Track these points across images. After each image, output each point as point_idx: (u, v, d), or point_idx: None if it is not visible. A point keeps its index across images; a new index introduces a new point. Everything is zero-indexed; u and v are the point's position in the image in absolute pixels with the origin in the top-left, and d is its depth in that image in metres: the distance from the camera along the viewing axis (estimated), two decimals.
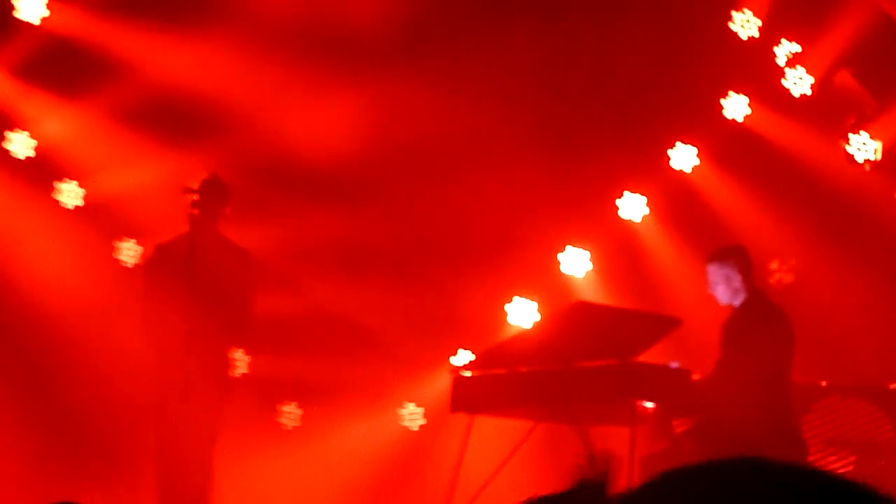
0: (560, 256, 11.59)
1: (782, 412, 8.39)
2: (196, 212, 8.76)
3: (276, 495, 10.93)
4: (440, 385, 10.22)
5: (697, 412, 8.55)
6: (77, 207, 11.33)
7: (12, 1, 11.05)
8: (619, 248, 11.55)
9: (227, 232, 9.27)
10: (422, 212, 11.44)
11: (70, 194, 11.35)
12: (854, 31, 10.83)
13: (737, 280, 8.53)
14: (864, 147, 10.99)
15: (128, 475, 10.79)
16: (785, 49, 11.25)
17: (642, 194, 11.53)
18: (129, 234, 11.29)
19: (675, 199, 11.48)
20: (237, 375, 9.85)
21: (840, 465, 9.63)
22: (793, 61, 11.25)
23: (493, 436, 9.16)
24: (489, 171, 11.37)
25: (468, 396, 8.60)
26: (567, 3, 11.46)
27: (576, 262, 11.61)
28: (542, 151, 11.41)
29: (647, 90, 11.35)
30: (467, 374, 8.68)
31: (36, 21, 11.11)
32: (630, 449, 8.17)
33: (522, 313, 11.42)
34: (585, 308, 8.91)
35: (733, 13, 11.28)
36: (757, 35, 11.28)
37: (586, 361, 8.27)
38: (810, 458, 8.85)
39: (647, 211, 11.56)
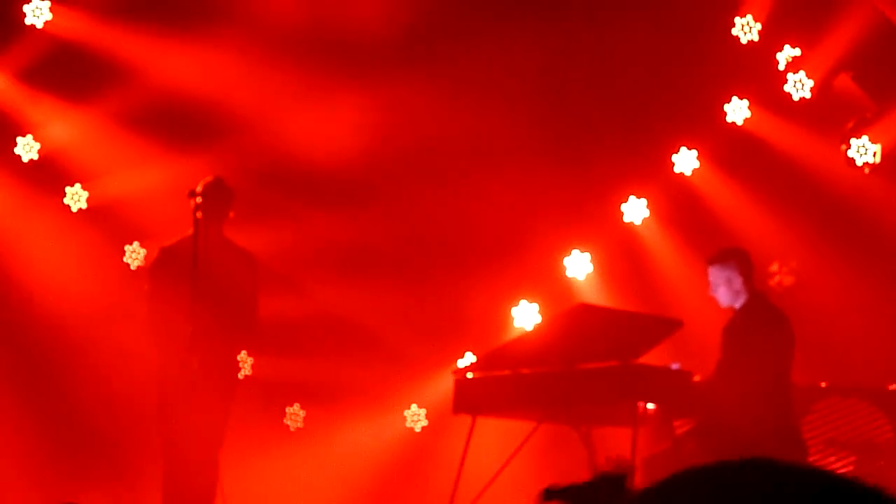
0: (563, 259, 11.61)
1: (783, 413, 8.38)
2: (200, 215, 8.69)
3: (280, 496, 10.94)
4: (443, 387, 10.18)
5: (699, 413, 8.54)
6: (82, 210, 11.37)
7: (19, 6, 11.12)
8: (620, 251, 11.56)
9: (231, 235, 9.25)
10: (425, 214, 11.44)
11: (75, 197, 11.39)
12: (854, 35, 10.80)
13: (738, 282, 8.53)
14: (864, 150, 10.96)
15: (132, 476, 10.82)
16: (786, 53, 11.27)
17: (644, 197, 11.55)
18: (134, 236, 11.33)
19: (677, 201, 11.49)
20: (241, 377, 9.87)
21: (840, 465, 9.63)
22: (793, 65, 11.26)
23: (495, 437, 9.18)
24: (492, 173, 11.37)
25: (471, 398, 8.57)
26: (569, 7, 11.44)
27: (578, 265, 11.64)
28: (545, 154, 11.40)
29: (649, 94, 11.35)
30: (470, 375, 8.66)
31: (41, 25, 11.17)
32: (632, 450, 8.16)
33: (527, 316, 11.45)
34: (587, 310, 8.85)
35: (735, 18, 11.32)
36: (757, 39, 11.31)
37: (588, 363, 8.24)
38: (810, 459, 8.83)
39: (648, 213, 11.58)
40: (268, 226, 10.97)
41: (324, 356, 11.42)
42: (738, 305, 8.56)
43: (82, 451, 11.15)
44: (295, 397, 11.53)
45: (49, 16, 11.15)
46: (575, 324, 8.50)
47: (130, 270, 11.31)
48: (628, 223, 11.61)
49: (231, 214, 9.15)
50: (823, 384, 9.91)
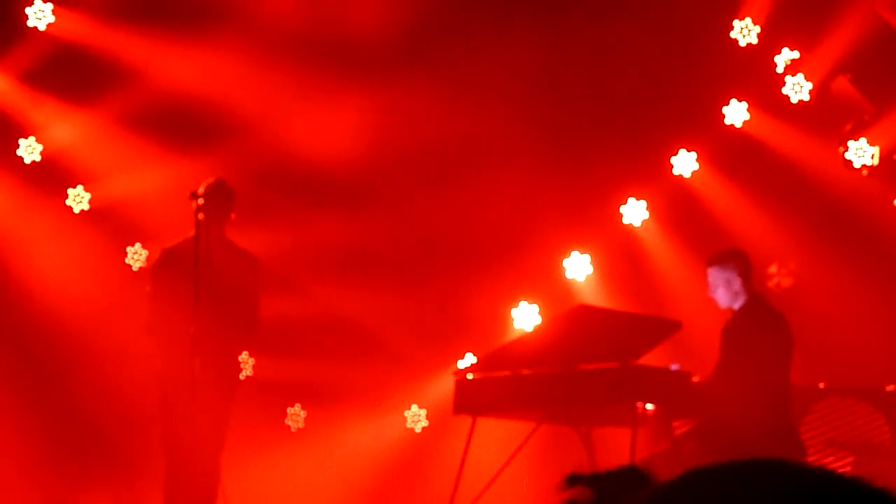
0: (562, 260, 11.63)
1: (781, 413, 8.39)
2: (202, 216, 8.69)
3: (281, 496, 10.93)
4: (443, 387, 10.17)
5: (698, 414, 8.55)
6: (84, 212, 11.38)
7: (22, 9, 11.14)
8: (620, 253, 11.56)
9: (233, 236, 9.26)
10: (426, 216, 11.43)
11: (77, 199, 11.41)
12: (852, 38, 10.81)
13: (737, 283, 8.55)
14: (861, 152, 10.97)
15: (133, 477, 10.83)
16: (784, 56, 11.29)
17: (643, 199, 11.56)
18: (136, 238, 11.33)
19: (676, 203, 11.50)
20: (243, 378, 9.88)
21: (838, 465, 9.63)
22: (792, 68, 11.27)
23: (495, 437, 9.20)
24: (492, 175, 11.37)
25: (471, 398, 8.57)
26: (568, 11, 11.45)
27: (578, 266, 11.66)
28: (545, 156, 11.41)
29: (649, 96, 11.36)
30: (470, 376, 8.65)
31: (43, 28, 11.19)
32: (631, 450, 8.17)
33: (527, 318, 11.47)
34: (587, 311, 8.86)
35: (734, 21, 11.34)
36: (756, 42, 11.32)
37: (588, 364, 8.24)
38: (808, 459, 8.83)
39: (647, 215, 11.59)
40: (269, 227, 10.97)
41: (325, 357, 11.42)
42: (737, 306, 8.58)
43: (84, 452, 11.14)
44: (296, 398, 11.53)
45: (52, 18, 11.17)
46: (575, 325, 8.51)
47: (132, 272, 11.30)
48: (628, 225, 11.62)
49: (233, 216, 9.14)
50: (822, 385, 9.93)
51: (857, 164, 11.03)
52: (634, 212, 11.60)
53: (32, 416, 11.08)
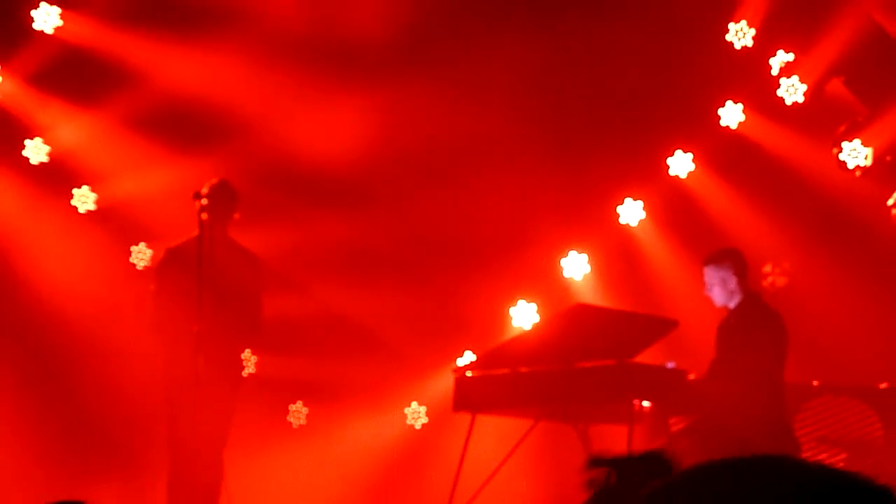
0: (560, 260, 11.67)
1: (776, 411, 8.42)
2: (206, 216, 8.72)
3: (283, 492, 10.93)
4: (443, 385, 10.19)
5: (693, 411, 8.57)
6: (90, 212, 11.39)
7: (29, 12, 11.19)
8: (617, 252, 11.58)
9: (236, 236, 9.30)
10: (426, 215, 11.44)
11: (83, 199, 11.45)
12: (846, 41, 10.79)
13: (732, 282, 8.58)
14: (855, 154, 10.98)
15: (138, 474, 10.86)
16: (779, 58, 11.32)
17: (640, 199, 11.58)
18: (141, 237, 11.34)
19: (672, 203, 11.51)
20: (245, 375, 9.90)
21: (831, 462, 9.70)
22: (786, 70, 11.28)
23: (494, 434, 9.21)
24: (491, 175, 11.37)
25: (470, 396, 8.57)
26: (566, 12, 11.44)
27: (575, 266, 11.71)
28: (543, 157, 11.40)
29: (646, 97, 11.37)
30: (469, 374, 8.66)
31: (49, 31, 11.23)
32: (627, 447, 8.17)
33: (526, 316, 11.50)
34: (584, 310, 8.87)
35: (729, 24, 11.38)
36: (751, 44, 11.35)
37: (585, 362, 8.25)
38: (802, 456, 8.92)
39: (644, 215, 11.62)
40: (271, 227, 10.97)
41: (326, 355, 11.42)
42: (732, 305, 8.62)
43: (89, 449, 11.12)
44: (298, 395, 11.55)
45: (58, 21, 11.21)
46: (572, 323, 8.52)
47: (137, 271, 11.30)
48: (624, 225, 11.66)
49: (236, 216, 9.17)
50: (815, 383, 9.94)
51: (850, 166, 11.03)
52: (631, 212, 11.64)
53: (38, 414, 11.07)
